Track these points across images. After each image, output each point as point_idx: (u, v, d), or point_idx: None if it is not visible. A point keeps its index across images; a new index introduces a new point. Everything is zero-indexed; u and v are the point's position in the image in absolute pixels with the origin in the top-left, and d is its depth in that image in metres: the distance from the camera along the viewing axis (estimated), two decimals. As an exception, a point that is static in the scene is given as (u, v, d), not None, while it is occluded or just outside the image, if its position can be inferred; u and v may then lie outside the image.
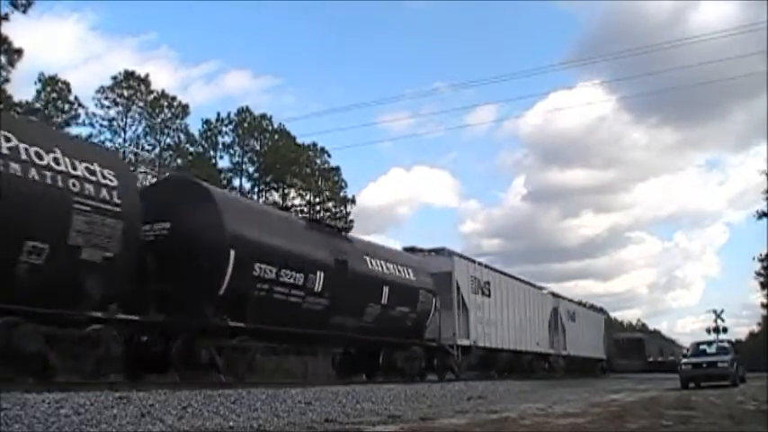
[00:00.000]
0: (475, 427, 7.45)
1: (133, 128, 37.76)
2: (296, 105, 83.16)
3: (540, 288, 32.90)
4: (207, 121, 41.32)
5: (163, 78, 60.00)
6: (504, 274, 26.61)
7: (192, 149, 40.05)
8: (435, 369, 19.30)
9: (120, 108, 37.14)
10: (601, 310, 44.54)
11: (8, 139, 8.65)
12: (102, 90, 36.81)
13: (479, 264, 23.93)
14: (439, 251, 21.74)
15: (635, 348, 49.60)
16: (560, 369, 30.29)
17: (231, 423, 7.29)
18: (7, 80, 25.47)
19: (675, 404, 11.10)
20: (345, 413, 8.97)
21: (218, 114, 41.73)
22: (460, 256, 22.88)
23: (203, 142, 40.99)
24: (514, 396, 13.98)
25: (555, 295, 32.11)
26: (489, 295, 23.48)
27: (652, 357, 51.36)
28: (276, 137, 42.22)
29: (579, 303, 38.24)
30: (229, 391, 9.21)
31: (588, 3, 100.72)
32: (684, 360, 20.02)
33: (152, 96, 38.01)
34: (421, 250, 20.96)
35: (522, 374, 25.04)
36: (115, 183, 9.87)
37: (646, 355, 49.74)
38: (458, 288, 20.87)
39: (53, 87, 35.12)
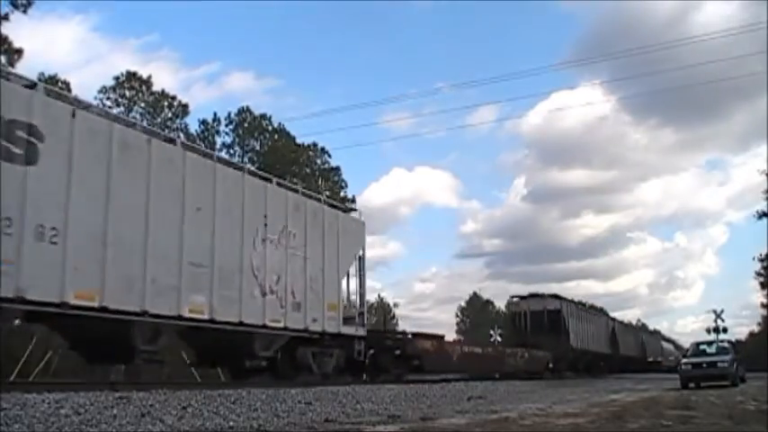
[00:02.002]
0: (475, 427, 7.44)
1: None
2: (297, 106, 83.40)
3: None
4: (204, 122, 41.42)
5: (165, 79, 60.41)
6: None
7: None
8: None
9: (122, 108, 37.18)
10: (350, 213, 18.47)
11: None
12: (104, 90, 36.91)
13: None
14: None
15: (545, 329, 29.61)
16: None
17: (231, 423, 7.29)
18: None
19: (675, 404, 11.09)
20: (345, 413, 8.97)
21: (215, 114, 41.85)
22: None
23: (201, 143, 41.06)
24: (514, 396, 13.97)
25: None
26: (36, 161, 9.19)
27: (588, 346, 33.18)
28: (276, 137, 42.27)
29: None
30: (229, 391, 9.23)
31: (590, 3, 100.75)
32: (684, 360, 20.01)
33: (152, 97, 38.09)
34: None
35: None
36: None
37: (568, 341, 30.40)
38: None
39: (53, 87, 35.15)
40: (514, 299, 34.10)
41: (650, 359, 47.85)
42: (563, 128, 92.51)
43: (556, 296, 32.60)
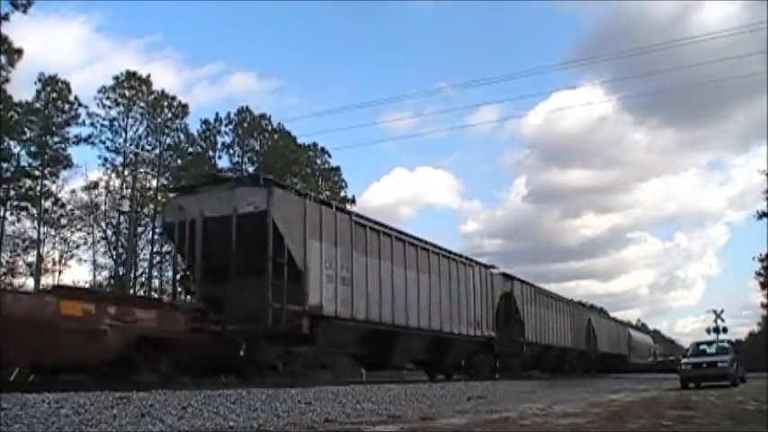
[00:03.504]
0: (475, 427, 7.44)
1: (134, 128, 37.86)
2: (299, 106, 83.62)
3: None
4: (205, 122, 41.45)
5: (167, 79, 60.48)
6: None
7: (191, 149, 40.15)
8: None
9: (122, 108, 37.21)
10: None
11: None
12: (104, 90, 36.93)
13: None
14: None
15: (242, 261, 11.76)
16: None
17: (231, 423, 7.29)
18: (7, 80, 25.57)
19: (675, 404, 11.08)
20: (345, 413, 8.97)
21: (217, 114, 41.89)
22: None
23: (202, 143, 41.07)
24: (514, 396, 13.97)
25: None
26: None
27: (393, 317, 15.36)
28: (276, 137, 42.28)
29: None
30: (229, 391, 9.23)
31: (590, 3, 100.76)
32: (684, 360, 20.01)
33: (152, 97, 38.11)
34: None
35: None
36: None
37: (300, 293, 12.20)
38: None
39: (53, 87, 35.18)
40: (173, 195, 15.88)
41: (639, 358, 44.66)
42: (564, 128, 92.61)
43: (261, 181, 12.96)
